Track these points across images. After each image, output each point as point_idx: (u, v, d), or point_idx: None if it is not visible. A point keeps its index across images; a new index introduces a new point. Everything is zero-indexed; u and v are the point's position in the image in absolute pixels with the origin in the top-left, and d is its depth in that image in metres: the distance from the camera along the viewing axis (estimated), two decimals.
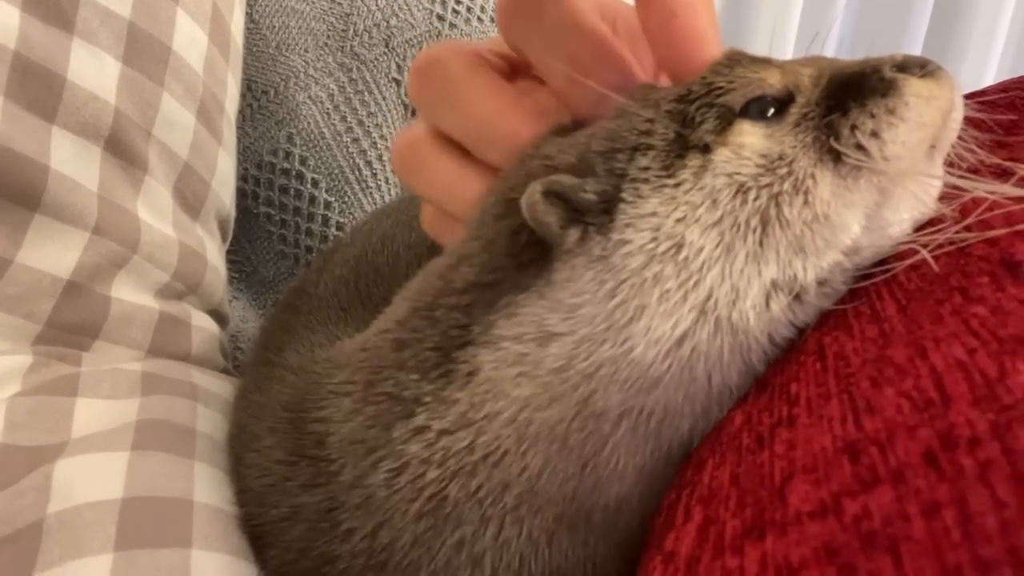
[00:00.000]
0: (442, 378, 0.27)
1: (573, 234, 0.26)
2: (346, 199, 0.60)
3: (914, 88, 0.25)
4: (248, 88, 0.58)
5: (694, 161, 0.25)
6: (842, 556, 0.14)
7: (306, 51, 0.59)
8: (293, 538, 0.30)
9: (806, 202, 0.24)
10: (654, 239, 0.25)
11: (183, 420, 0.36)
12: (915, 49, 1.37)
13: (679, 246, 0.24)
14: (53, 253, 0.40)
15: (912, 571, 0.13)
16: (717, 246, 0.24)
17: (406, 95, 0.62)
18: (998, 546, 0.12)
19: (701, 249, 0.24)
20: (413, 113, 0.62)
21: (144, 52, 0.45)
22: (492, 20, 0.66)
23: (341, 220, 0.60)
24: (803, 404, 0.19)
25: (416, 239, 0.40)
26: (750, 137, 0.26)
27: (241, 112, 0.57)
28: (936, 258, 0.22)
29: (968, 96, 0.35)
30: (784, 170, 0.25)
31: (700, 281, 0.24)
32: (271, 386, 0.34)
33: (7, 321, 0.38)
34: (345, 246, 0.44)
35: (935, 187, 0.26)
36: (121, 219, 0.43)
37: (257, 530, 0.31)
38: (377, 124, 0.60)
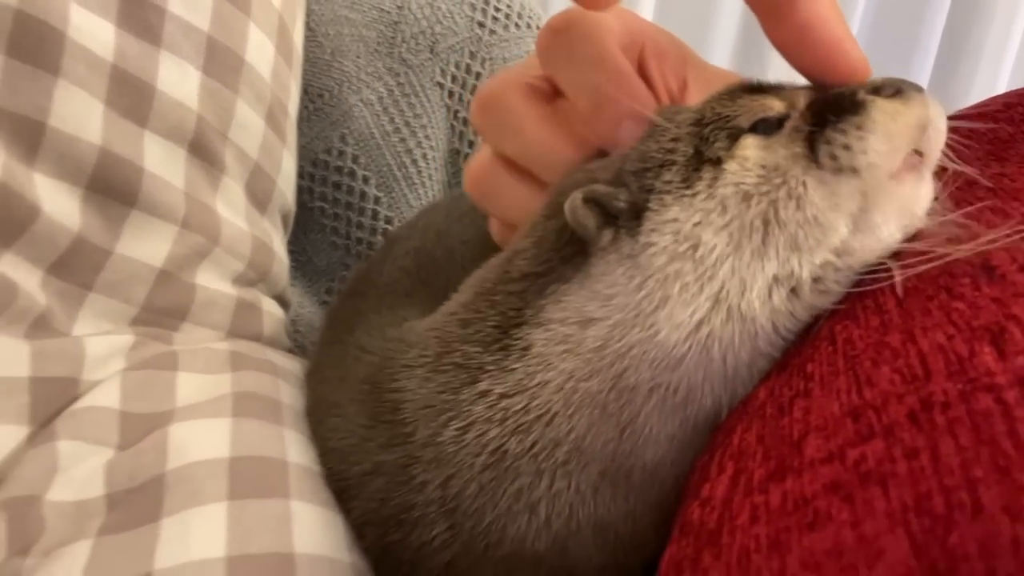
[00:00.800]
0: (501, 351, 0.32)
1: (607, 235, 0.31)
2: (394, 195, 0.64)
3: (879, 106, 0.29)
4: (305, 92, 0.62)
5: (707, 174, 0.30)
6: (844, 488, 0.19)
7: (358, 57, 0.63)
8: (374, 490, 0.34)
9: (798, 206, 0.28)
10: (675, 240, 0.29)
11: (269, 392, 0.41)
12: (930, 51, 1.38)
13: (695, 246, 0.29)
14: (148, 245, 0.45)
15: (896, 497, 0.17)
16: (727, 244, 0.29)
17: (448, 98, 0.66)
18: (958, 476, 0.17)
19: (714, 248, 0.29)
20: (455, 115, 0.67)
21: (221, 63, 0.49)
22: (528, 26, 0.70)
23: (389, 214, 0.64)
24: (816, 380, 0.24)
25: (469, 235, 0.45)
26: (752, 150, 0.30)
27: (299, 114, 0.61)
28: (930, 261, 0.26)
29: (972, 107, 0.38)
30: (779, 179, 0.29)
31: (714, 275, 0.28)
32: (346, 363, 0.39)
33: (109, 305, 0.43)
34: (404, 239, 0.48)
35: (924, 199, 0.29)
36: (204, 214, 0.48)
37: (341, 484, 0.36)
38: (422, 125, 0.65)
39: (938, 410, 0.19)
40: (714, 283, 0.28)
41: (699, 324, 0.29)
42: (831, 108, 0.29)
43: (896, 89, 0.30)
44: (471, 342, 0.33)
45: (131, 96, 0.44)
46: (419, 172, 0.65)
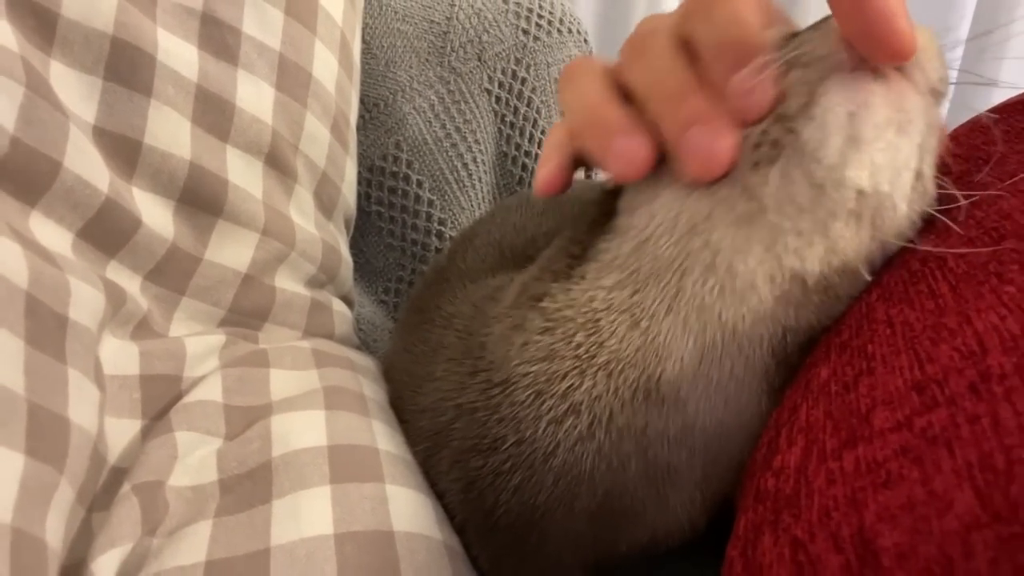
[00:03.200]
0: (565, 279, 0.36)
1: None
2: (446, 198, 0.68)
3: (832, 22, 0.30)
4: (361, 102, 0.66)
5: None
6: (913, 451, 0.21)
7: (410, 67, 0.67)
8: (460, 430, 0.38)
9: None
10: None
11: (353, 386, 0.44)
12: (964, 19, 1.38)
13: None
14: (233, 251, 0.48)
15: (961, 456, 0.20)
16: None
17: (496, 104, 0.69)
18: (1016, 437, 0.19)
19: None
20: (503, 120, 0.70)
21: (292, 79, 0.53)
22: (570, 31, 0.73)
23: (442, 216, 0.68)
24: (879, 359, 0.27)
25: (548, 226, 0.49)
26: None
27: (356, 123, 0.64)
28: (978, 250, 0.28)
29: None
30: None
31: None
32: (434, 334, 0.43)
33: (200, 307, 0.47)
34: (484, 233, 0.52)
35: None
36: (281, 222, 0.51)
37: (433, 439, 0.40)
38: (472, 130, 0.68)
39: (995, 381, 0.21)
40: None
41: (674, 202, 0.32)
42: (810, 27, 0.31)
43: None
44: (543, 280, 0.37)
45: (214, 113, 0.47)
46: (470, 175, 0.68)
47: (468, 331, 0.41)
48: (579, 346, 0.35)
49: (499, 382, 0.37)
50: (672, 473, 0.36)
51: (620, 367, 0.34)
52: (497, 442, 0.37)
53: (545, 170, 0.37)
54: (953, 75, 0.32)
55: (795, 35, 0.31)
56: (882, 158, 0.29)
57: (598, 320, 0.35)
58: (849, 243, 0.31)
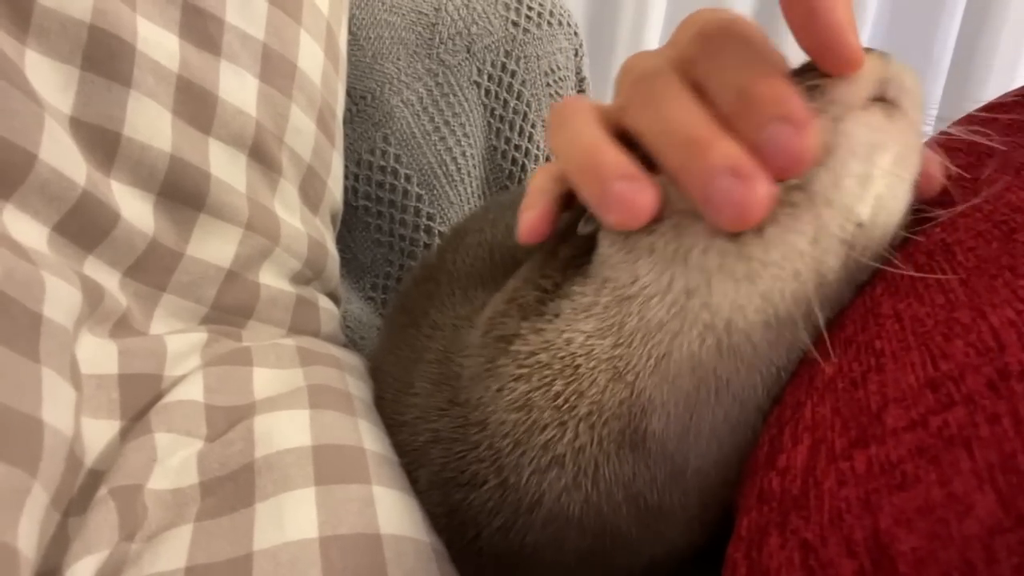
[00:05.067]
0: (536, 317, 0.35)
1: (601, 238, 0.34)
2: (435, 192, 0.66)
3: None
4: (348, 94, 0.64)
5: None
6: (930, 452, 0.20)
7: (398, 59, 0.65)
8: (436, 455, 0.37)
9: None
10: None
11: (339, 385, 0.43)
12: (947, 45, 1.38)
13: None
14: (215, 246, 0.47)
15: (981, 458, 0.19)
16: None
17: (485, 96, 0.68)
18: None
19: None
20: (492, 113, 0.69)
21: (276, 70, 0.51)
22: (560, 24, 0.71)
23: (431, 211, 0.66)
24: (888, 355, 0.26)
25: None
26: None
27: (343, 116, 0.63)
28: (988, 243, 0.27)
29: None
30: None
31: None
32: (419, 342, 0.42)
33: (182, 304, 0.45)
34: (475, 231, 0.50)
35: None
36: (265, 216, 0.49)
37: (410, 455, 0.39)
38: (461, 124, 0.67)
39: (1015, 379, 0.20)
40: (680, 238, 0.30)
41: (664, 267, 0.31)
42: (803, 70, 0.30)
43: None
44: (511, 315, 0.36)
45: (195, 104, 0.46)
46: (459, 170, 0.67)
47: (447, 353, 0.39)
48: (558, 395, 0.33)
49: (476, 422, 0.36)
50: (667, 513, 0.34)
51: (603, 419, 0.33)
52: (477, 479, 0.36)
53: (529, 215, 0.36)
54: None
55: (797, 73, 0.30)
56: (887, 191, 0.29)
57: (577, 366, 0.33)
58: (837, 273, 0.30)
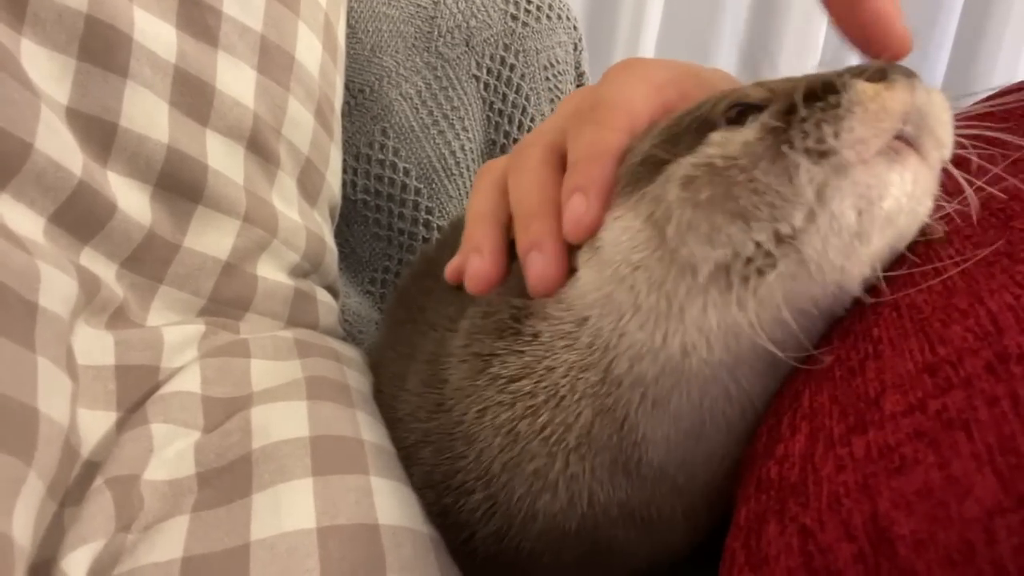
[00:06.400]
0: (513, 336, 0.34)
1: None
2: (434, 186, 0.66)
3: (858, 88, 0.27)
4: (346, 87, 0.64)
5: (661, 175, 0.30)
6: (928, 435, 0.20)
7: (396, 52, 0.65)
8: (426, 456, 0.37)
9: (750, 190, 0.27)
10: (629, 245, 0.30)
11: (337, 377, 0.43)
12: (946, 42, 1.37)
13: (641, 251, 0.30)
14: (213, 238, 0.46)
15: (980, 440, 0.19)
16: (665, 254, 0.29)
17: (484, 90, 0.68)
18: None
19: (650, 264, 0.30)
20: (491, 107, 0.68)
21: (274, 61, 0.51)
22: (559, 18, 0.71)
23: (430, 205, 0.66)
24: (886, 342, 0.25)
25: None
26: (714, 146, 0.29)
27: (341, 109, 0.63)
28: (984, 231, 0.27)
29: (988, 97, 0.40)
30: (731, 167, 0.27)
31: (663, 280, 0.29)
32: (415, 339, 0.42)
33: (179, 296, 0.45)
34: None
35: (894, 188, 0.27)
36: (263, 208, 0.49)
37: (403, 452, 0.39)
38: (460, 117, 0.67)
39: (1014, 361, 0.20)
40: (663, 289, 0.29)
41: (656, 323, 0.29)
42: (813, 93, 0.28)
43: (880, 71, 0.28)
44: (488, 332, 0.35)
45: (193, 96, 0.46)
46: (457, 163, 0.67)
47: (436, 356, 0.39)
48: (544, 427, 0.33)
49: (462, 436, 0.35)
50: (668, 521, 0.34)
51: (594, 451, 0.32)
52: (466, 487, 0.35)
53: (477, 263, 0.36)
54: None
55: (808, 97, 0.28)
56: (882, 243, 0.28)
57: (561, 398, 0.32)
58: (829, 304, 0.29)
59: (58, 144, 0.37)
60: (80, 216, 0.39)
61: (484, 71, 0.67)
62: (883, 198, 0.27)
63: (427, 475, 0.37)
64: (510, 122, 0.68)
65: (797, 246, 0.27)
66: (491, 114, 0.69)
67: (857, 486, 0.21)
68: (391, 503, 0.35)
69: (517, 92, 0.68)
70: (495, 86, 0.68)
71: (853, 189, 0.27)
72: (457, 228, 0.52)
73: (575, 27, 0.73)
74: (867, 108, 0.27)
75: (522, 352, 0.33)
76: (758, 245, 0.27)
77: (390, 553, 0.33)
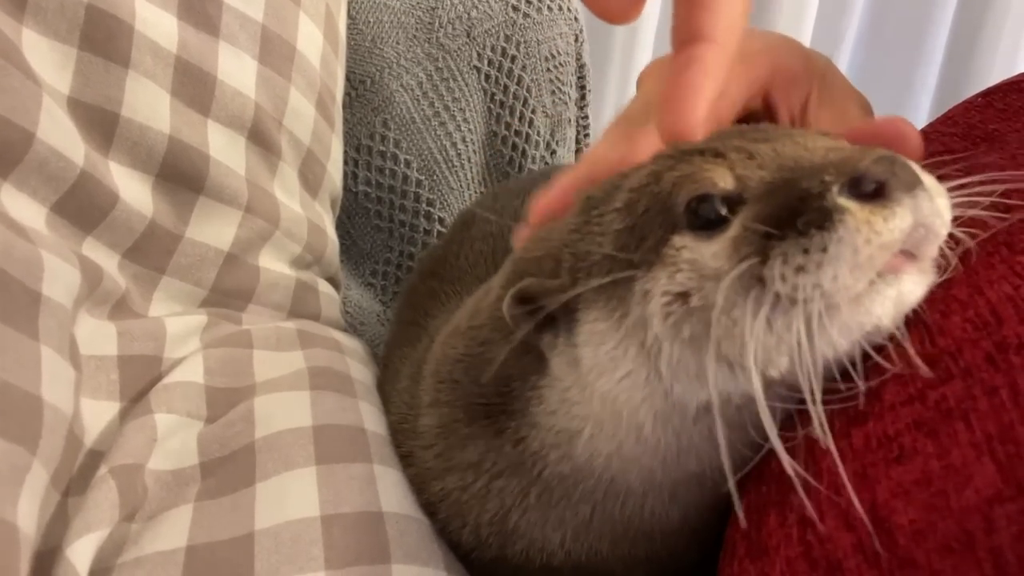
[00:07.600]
0: (495, 436, 0.33)
1: (547, 339, 0.30)
2: (435, 177, 0.66)
3: (852, 220, 0.23)
4: (347, 79, 0.64)
5: (638, 286, 0.27)
6: (928, 425, 0.20)
7: (397, 43, 0.65)
8: (409, 473, 0.38)
9: (730, 335, 0.25)
10: (607, 357, 0.28)
11: (339, 367, 0.43)
12: (941, 38, 1.35)
13: (621, 365, 0.28)
14: (215, 229, 0.46)
15: (979, 429, 0.19)
16: (646, 371, 0.28)
17: (485, 81, 0.68)
18: None
19: (630, 373, 0.28)
20: (492, 98, 0.68)
21: (275, 52, 0.51)
22: (560, 8, 0.71)
23: (431, 196, 0.66)
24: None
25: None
26: (687, 253, 0.26)
27: (342, 101, 0.63)
28: (984, 220, 0.27)
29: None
30: (712, 303, 0.25)
31: (631, 399, 0.28)
32: (418, 342, 0.42)
33: (182, 287, 0.45)
34: (482, 221, 0.50)
35: (889, 312, 0.24)
36: (265, 199, 0.49)
37: (398, 453, 0.39)
38: (461, 108, 0.67)
39: (1013, 351, 0.20)
40: (630, 408, 0.28)
41: (619, 445, 0.30)
42: (794, 210, 0.25)
43: (877, 187, 0.24)
44: (456, 409, 0.35)
45: (194, 86, 0.46)
46: (459, 155, 0.67)
47: (416, 377, 0.39)
48: (525, 495, 0.33)
49: (433, 471, 0.36)
50: (669, 535, 0.34)
51: (582, 517, 0.33)
52: (441, 512, 0.36)
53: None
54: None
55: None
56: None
57: (540, 472, 0.32)
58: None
59: (60, 134, 0.37)
60: (82, 206, 0.39)
61: (485, 62, 0.67)
62: (875, 327, 0.24)
63: (411, 482, 0.37)
64: (511, 114, 0.68)
65: (786, 381, 0.25)
66: (492, 106, 0.68)
67: (856, 476, 0.21)
68: (394, 491, 0.35)
69: (518, 84, 0.68)
70: (496, 77, 0.68)
71: (841, 329, 0.24)
72: (466, 223, 0.52)
73: (576, 18, 0.73)
74: (859, 252, 0.23)
75: (506, 452, 0.33)
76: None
77: (394, 540, 0.33)
